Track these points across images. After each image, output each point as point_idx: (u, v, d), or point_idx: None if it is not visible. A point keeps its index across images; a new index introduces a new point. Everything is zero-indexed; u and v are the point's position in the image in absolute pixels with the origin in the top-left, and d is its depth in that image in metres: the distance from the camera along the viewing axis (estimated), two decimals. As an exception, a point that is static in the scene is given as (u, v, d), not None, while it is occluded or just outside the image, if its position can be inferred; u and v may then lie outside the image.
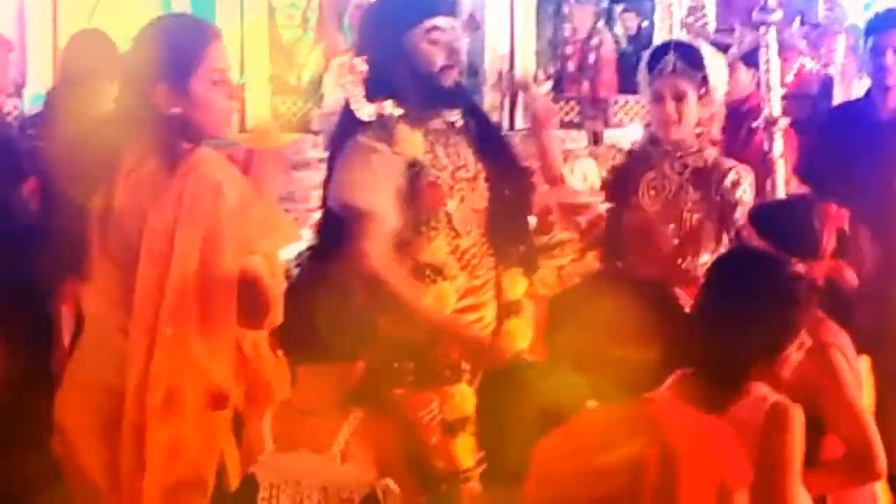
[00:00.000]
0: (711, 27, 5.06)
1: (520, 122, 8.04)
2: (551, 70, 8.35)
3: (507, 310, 4.16)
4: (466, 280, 4.03)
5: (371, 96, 4.07)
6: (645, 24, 8.49)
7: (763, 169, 5.24)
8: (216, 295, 3.47)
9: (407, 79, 4.02)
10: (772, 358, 3.35)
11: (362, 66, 4.11)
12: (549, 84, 8.29)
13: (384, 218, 3.93)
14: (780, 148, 5.15)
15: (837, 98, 7.45)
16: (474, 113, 4.22)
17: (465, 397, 4.03)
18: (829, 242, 4.03)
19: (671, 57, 4.90)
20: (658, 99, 4.89)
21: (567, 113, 8.19)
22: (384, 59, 4.05)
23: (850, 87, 7.05)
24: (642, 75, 4.98)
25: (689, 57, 4.95)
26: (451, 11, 4.09)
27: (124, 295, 3.59)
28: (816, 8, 5.73)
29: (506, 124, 8.01)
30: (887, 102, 5.71)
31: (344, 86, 4.25)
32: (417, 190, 3.96)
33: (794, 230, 4.03)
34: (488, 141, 4.19)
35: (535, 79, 8.15)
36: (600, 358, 3.15)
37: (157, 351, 3.48)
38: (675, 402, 3.20)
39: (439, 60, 3.98)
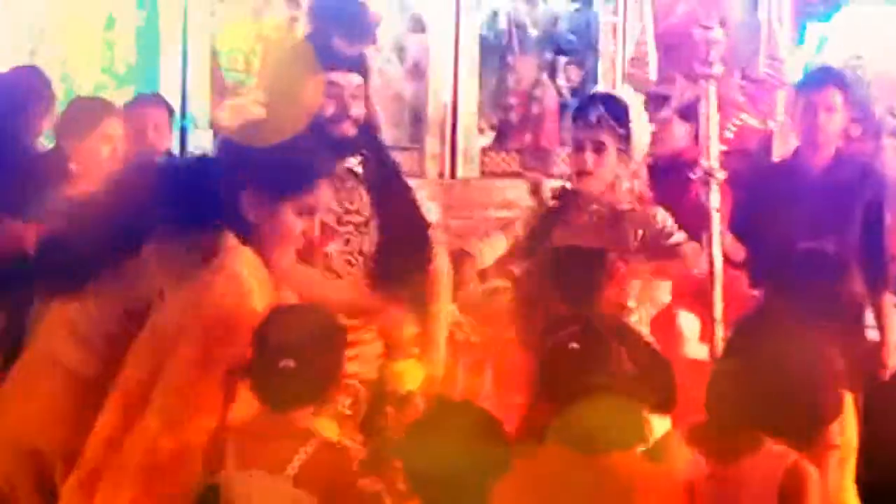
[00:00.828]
0: (653, 78, 5.09)
1: (461, 171, 8.05)
2: (494, 120, 8.33)
3: (394, 351, 4.45)
4: (343, 318, 4.13)
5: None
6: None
7: (698, 222, 5.26)
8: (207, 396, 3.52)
9: (294, 114, 4.28)
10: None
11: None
12: (491, 134, 8.31)
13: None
14: (717, 200, 5.17)
15: (777, 154, 7.50)
16: (378, 161, 4.63)
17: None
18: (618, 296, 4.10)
19: (597, 108, 5.02)
20: (578, 148, 5.03)
21: (508, 164, 8.18)
22: (280, 104, 4.43)
23: (789, 144, 7.10)
24: (569, 124, 5.08)
25: (615, 110, 5.07)
26: (354, 68, 4.48)
27: (104, 347, 3.56)
28: (757, 63, 5.72)
29: (447, 172, 8.03)
30: (817, 160, 5.79)
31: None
32: None
33: (578, 279, 4.11)
34: (387, 189, 4.58)
35: (479, 128, 8.18)
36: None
37: (134, 437, 3.47)
38: (650, 465, 3.23)
39: (329, 111, 4.38)
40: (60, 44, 7.71)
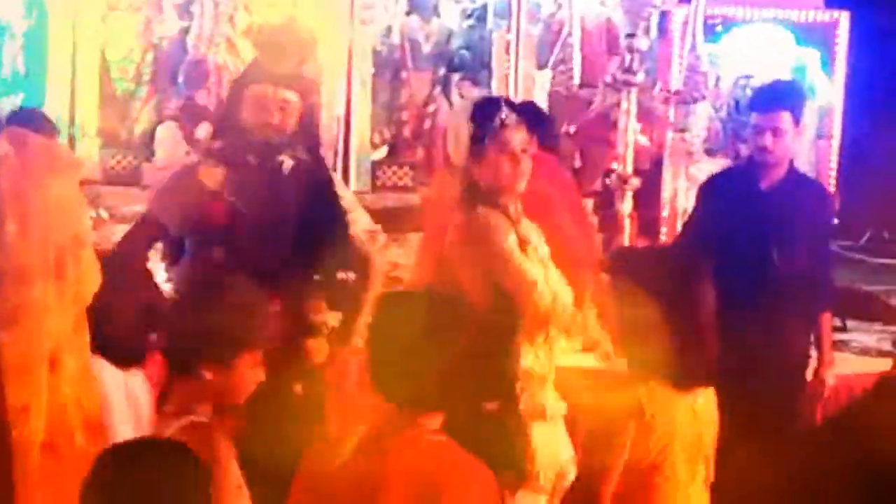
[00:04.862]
0: (576, 81, 5.12)
1: (353, 184, 8.02)
2: (387, 135, 8.31)
3: (307, 330, 5.09)
4: None
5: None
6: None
7: (612, 226, 5.29)
8: None
9: (231, 126, 5.24)
10: None
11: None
12: (384, 149, 8.30)
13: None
14: (629, 206, 5.19)
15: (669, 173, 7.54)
16: (311, 164, 5.30)
17: None
18: None
19: (508, 111, 4.96)
20: (505, 151, 4.91)
21: (401, 178, 8.16)
22: (225, 109, 5.36)
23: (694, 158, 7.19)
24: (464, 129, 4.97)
25: (528, 113, 5.07)
26: (293, 86, 5.15)
27: None
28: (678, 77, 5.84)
29: (338, 185, 7.99)
30: (767, 175, 5.78)
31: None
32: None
33: None
34: (312, 188, 5.23)
35: (371, 143, 8.16)
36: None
37: None
38: None
39: (255, 118, 5.10)
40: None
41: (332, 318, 5.19)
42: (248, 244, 5.10)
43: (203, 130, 5.76)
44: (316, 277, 5.23)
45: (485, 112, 4.97)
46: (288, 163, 5.22)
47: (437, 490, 3.16)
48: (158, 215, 5.23)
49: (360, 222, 5.48)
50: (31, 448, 3.68)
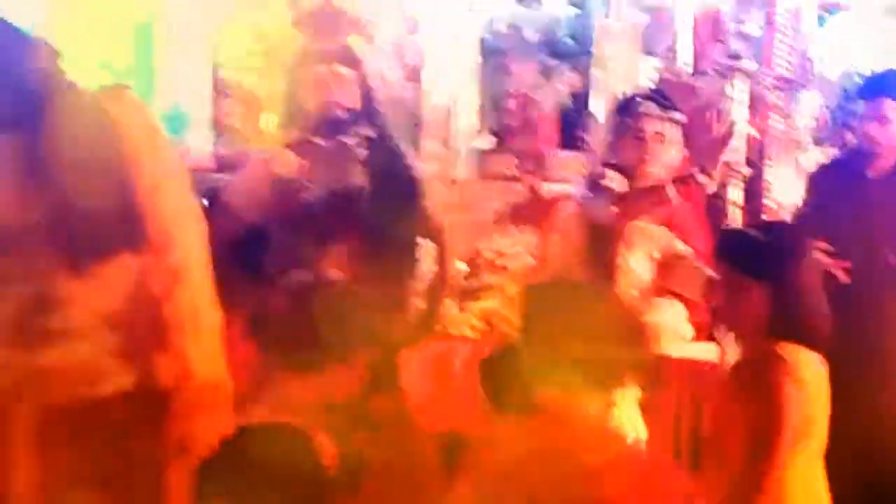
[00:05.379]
0: (683, 69, 5.16)
1: (460, 173, 8.05)
2: (493, 124, 8.34)
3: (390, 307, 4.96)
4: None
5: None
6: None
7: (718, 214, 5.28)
8: None
9: (292, 107, 5.34)
10: None
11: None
12: (490, 137, 8.32)
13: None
14: (737, 195, 5.18)
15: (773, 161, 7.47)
16: (381, 143, 5.31)
17: None
18: None
19: (647, 102, 5.19)
20: (638, 136, 5.22)
21: (507, 166, 8.18)
22: (284, 98, 5.44)
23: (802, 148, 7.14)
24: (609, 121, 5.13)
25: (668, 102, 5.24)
26: (344, 60, 5.27)
27: None
28: (779, 63, 5.76)
29: (447, 174, 8.03)
30: (875, 164, 5.75)
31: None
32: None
33: None
34: (386, 167, 5.26)
35: (478, 131, 8.18)
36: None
37: None
38: None
39: (317, 97, 5.20)
40: (58, 37, 7.66)
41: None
42: (327, 226, 5.15)
43: (265, 121, 5.85)
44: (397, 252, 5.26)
45: (629, 105, 5.31)
46: (356, 139, 5.28)
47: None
48: (236, 208, 5.27)
49: (432, 194, 5.60)
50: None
